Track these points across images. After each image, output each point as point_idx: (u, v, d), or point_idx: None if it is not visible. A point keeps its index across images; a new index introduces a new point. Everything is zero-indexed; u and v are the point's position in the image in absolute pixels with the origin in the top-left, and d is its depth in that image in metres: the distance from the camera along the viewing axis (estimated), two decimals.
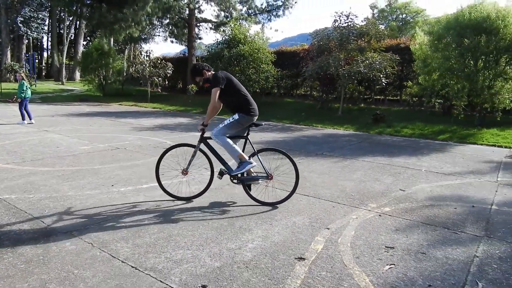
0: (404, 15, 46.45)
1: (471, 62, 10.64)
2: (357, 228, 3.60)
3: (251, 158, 4.17)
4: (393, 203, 4.41)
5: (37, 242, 3.08)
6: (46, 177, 5.04)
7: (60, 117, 12.43)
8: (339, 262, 2.90)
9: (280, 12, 24.84)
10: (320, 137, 9.85)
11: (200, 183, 4.77)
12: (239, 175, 4.15)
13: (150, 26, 28.92)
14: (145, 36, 34.69)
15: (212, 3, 24.17)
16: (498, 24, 9.94)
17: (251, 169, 4.11)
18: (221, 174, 4.18)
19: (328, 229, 3.57)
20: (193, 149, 4.24)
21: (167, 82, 21.80)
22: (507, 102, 10.53)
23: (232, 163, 4.33)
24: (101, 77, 22.23)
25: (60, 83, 32.62)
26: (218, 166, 4.28)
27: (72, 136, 8.61)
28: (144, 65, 20.25)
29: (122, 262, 2.80)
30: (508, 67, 10.38)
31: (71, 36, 40.91)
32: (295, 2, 24.63)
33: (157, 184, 4.37)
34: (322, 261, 2.90)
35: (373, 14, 47.19)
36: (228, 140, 4.07)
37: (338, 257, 2.98)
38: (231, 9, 24.43)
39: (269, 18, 25.26)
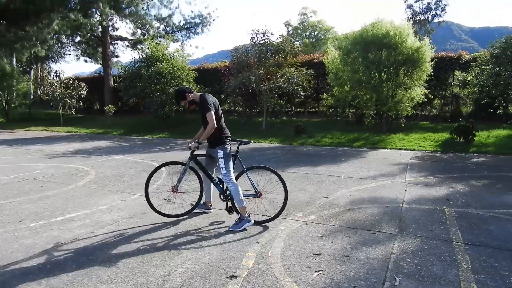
0: (316, 32, 49.81)
1: (376, 74, 11.78)
2: (286, 239, 3.68)
3: (239, 176, 4.23)
4: (318, 210, 4.61)
5: None
6: None
7: None
8: (271, 275, 2.92)
9: (199, 30, 25.03)
10: (246, 151, 9.99)
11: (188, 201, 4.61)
12: (226, 195, 4.23)
13: (59, 45, 27.00)
14: (54, 55, 32.21)
15: (128, 21, 23.40)
16: (396, 40, 11.19)
17: (235, 230, 3.95)
18: (229, 210, 4.24)
19: (258, 243, 3.59)
20: (183, 166, 4.24)
21: (82, 104, 20.42)
22: (408, 109, 11.83)
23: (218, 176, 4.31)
24: (3, 101, 20.01)
25: None
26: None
27: None
28: (54, 86, 18.73)
29: None
30: (406, 78, 11.69)
31: None
32: (213, 20, 25.03)
33: (73, 215, 4.01)
34: (254, 277, 2.90)
35: (288, 31, 49.83)
36: (239, 189, 4.04)
37: (269, 270, 3.01)
38: (147, 26, 23.90)
39: (188, 35, 25.27)
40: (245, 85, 13.61)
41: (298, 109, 17.73)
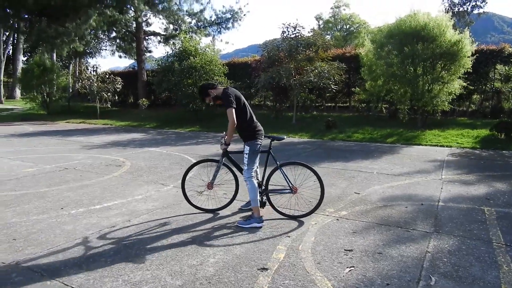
0: (348, 26, 48.79)
1: (411, 68, 11.39)
2: (317, 233, 3.67)
3: (274, 172, 4.16)
4: (349, 206, 4.55)
5: None
6: None
7: (0, 138, 11.55)
8: (301, 269, 2.92)
9: (230, 25, 25.10)
10: (276, 145, 9.97)
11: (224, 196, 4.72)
12: (261, 189, 4.16)
13: (96, 40, 27.97)
14: (91, 50, 33.43)
15: (160, 16, 23.87)
16: (434, 33, 10.76)
17: (243, 226, 3.91)
18: (262, 205, 4.16)
19: (289, 237, 3.60)
20: (217, 163, 4.29)
21: (117, 97, 21.10)
22: (445, 104, 11.37)
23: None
24: (45, 94, 21.01)
25: None
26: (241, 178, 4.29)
27: (14, 158, 8.02)
28: (91, 81, 19.46)
29: None
30: (443, 72, 11.23)
31: (9, 52, 38.35)
32: (244, 15, 25.03)
33: (110, 204, 4.18)
34: (285, 270, 2.91)
35: (319, 25, 49.12)
36: (256, 186, 3.98)
37: (300, 264, 3.01)
38: (179, 22, 24.26)
39: (219, 30, 25.42)
40: (276, 80, 13.56)
41: (329, 104, 17.49)
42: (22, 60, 36.08)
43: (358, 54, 14.85)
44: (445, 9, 24.13)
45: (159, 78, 16.68)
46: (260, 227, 3.86)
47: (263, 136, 4.15)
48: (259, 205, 3.98)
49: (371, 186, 5.53)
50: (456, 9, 23.99)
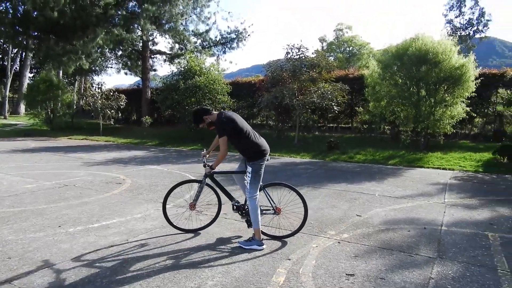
0: (350, 48, 49.45)
1: (415, 90, 11.44)
2: (318, 256, 3.59)
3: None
4: (351, 229, 4.48)
5: None
6: None
7: (1, 154, 11.57)
8: None
9: (234, 45, 25.48)
10: (278, 165, 9.94)
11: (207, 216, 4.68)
12: (245, 210, 4.15)
13: (102, 58, 28.38)
14: (97, 67, 33.89)
15: (167, 36, 24.30)
16: (440, 57, 10.84)
17: (244, 247, 3.86)
18: (238, 209, 4.21)
19: (289, 259, 3.53)
20: (200, 184, 4.28)
21: (120, 115, 21.25)
22: (448, 128, 11.36)
23: (237, 196, 4.35)
24: (49, 110, 21.20)
25: (3, 117, 30.61)
26: (225, 200, 4.40)
27: (14, 174, 8.00)
28: (95, 98, 19.65)
29: None
30: (447, 95, 11.27)
31: (16, 68, 38.97)
32: (248, 35, 25.44)
33: (108, 222, 4.14)
34: None
35: (322, 46, 49.82)
36: (258, 208, 3.93)
37: None
38: (185, 41, 24.67)
39: (223, 50, 25.79)
40: (279, 100, 13.65)
41: (331, 125, 17.52)
42: (29, 77, 36.61)
43: (360, 76, 14.97)
44: (448, 32, 24.45)
45: (164, 96, 16.83)
46: (261, 249, 3.79)
47: (267, 155, 4.07)
48: (260, 227, 3.91)
49: (373, 208, 5.46)
50: (459, 33, 24.29)
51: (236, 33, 25.31)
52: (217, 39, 25.63)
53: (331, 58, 37.81)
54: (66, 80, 29.49)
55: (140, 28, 21.82)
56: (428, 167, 9.61)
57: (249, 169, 3.95)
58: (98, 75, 37.48)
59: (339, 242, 4.00)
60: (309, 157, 11.58)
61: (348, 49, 49.66)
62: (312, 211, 5.27)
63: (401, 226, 4.58)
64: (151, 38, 24.66)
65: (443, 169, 9.39)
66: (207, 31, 25.13)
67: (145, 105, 22.64)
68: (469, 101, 11.58)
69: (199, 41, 25.33)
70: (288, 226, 4.30)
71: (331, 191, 6.64)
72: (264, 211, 4.19)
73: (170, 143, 15.62)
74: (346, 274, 3.21)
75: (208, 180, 4.26)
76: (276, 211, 4.16)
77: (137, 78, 28.85)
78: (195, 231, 4.31)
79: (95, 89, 23.36)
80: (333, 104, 13.46)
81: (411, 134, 12.43)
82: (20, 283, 2.98)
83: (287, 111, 14.54)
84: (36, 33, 21.17)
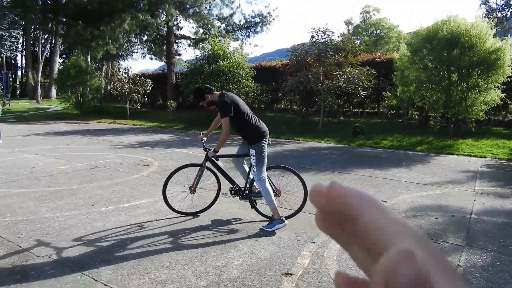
0: (378, 31, 47.94)
1: (446, 74, 11.04)
2: None
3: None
4: None
5: (15, 267, 2.94)
6: (22, 199, 4.85)
7: (36, 137, 12.08)
8: (326, 276, 2.88)
9: (259, 29, 25.22)
10: (302, 150, 9.92)
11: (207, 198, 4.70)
12: (245, 193, 4.21)
13: (128, 43, 28.81)
14: (123, 53, 34.47)
15: (191, 20, 24.33)
16: (474, 40, 10.37)
17: (267, 229, 3.91)
18: (231, 193, 4.26)
19: (314, 243, 3.56)
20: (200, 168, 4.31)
21: (146, 99, 21.63)
22: (480, 114, 10.93)
23: (239, 181, 4.35)
24: (79, 94, 21.84)
25: (35, 101, 31.82)
26: (225, 183, 4.40)
27: (48, 155, 8.36)
28: (122, 82, 20.05)
29: (105, 285, 2.70)
30: (480, 80, 10.81)
31: (47, 54, 40.20)
32: (273, 19, 25.10)
33: (137, 203, 4.28)
34: (309, 276, 2.88)
35: (348, 30, 48.53)
36: (269, 188, 3.99)
37: (324, 271, 2.97)
38: (209, 26, 24.63)
39: (247, 34, 25.60)
40: (303, 84, 13.50)
41: (357, 110, 17.21)
42: (59, 62, 37.70)
43: (388, 60, 14.56)
44: (483, 14, 23.24)
45: (188, 80, 16.98)
46: (284, 225, 3.90)
47: (267, 137, 4.13)
48: (276, 206, 3.97)
49: (399, 194, 5.39)
50: (495, 15, 23.05)
51: (260, 17, 25.02)
52: (241, 23, 25.44)
53: (358, 42, 36.84)
54: (94, 66, 30.18)
55: (164, 13, 21.93)
56: (458, 154, 9.33)
57: (252, 151, 4.00)
58: (124, 60, 38.16)
59: None
60: (333, 142, 11.47)
61: (375, 32, 48.15)
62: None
63: (429, 213, 4.51)
64: (175, 23, 24.74)
65: (474, 156, 9.10)
66: (231, 15, 24.97)
67: (170, 90, 22.93)
68: (504, 87, 11.07)
69: (223, 25, 25.24)
70: (288, 207, 4.36)
71: (356, 176, 6.58)
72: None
73: (194, 127, 15.83)
74: None
75: (208, 164, 4.28)
76: (277, 193, 4.24)
77: (162, 63, 29.20)
78: (195, 214, 4.35)
79: (122, 74, 23.79)
80: (359, 88, 13.20)
81: (441, 120, 12.05)
82: (58, 257, 3.16)
83: (312, 95, 14.38)
84: (65, 19, 21.70)
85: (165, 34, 24.45)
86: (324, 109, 14.58)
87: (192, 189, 4.32)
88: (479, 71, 10.77)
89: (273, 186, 4.22)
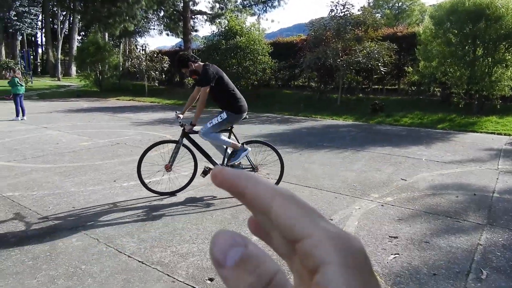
0: (400, 4, 46.09)
1: (471, 48, 10.61)
2: (360, 218, 3.62)
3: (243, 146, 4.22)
4: (395, 192, 4.43)
5: (43, 239, 3.09)
6: (48, 174, 5.03)
7: (58, 114, 12.37)
8: None
9: (276, 3, 24.67)
10: (320, 128, 9.85)
11: (185, 177, 4.64)
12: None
13: (145, 20, 28.68)
14: (140, 29, 34.41)
15: None
16: (501, 12, 9.88)
17: (235, 162, 4.09)
18: (204, 173, 4.16)
19: (331, 220, 3.58)
20: (176, 144, 4.21)
21: (164, 76, 21.70)
22: (506, 90, 10.53)
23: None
24: (98, 72, 22.08)
25: (56, 79, 32.40)
26: (201, 160, 4.38)
27: (71, 132, 8.58)
28: (140, 59, 20.12)
29: (129, 257, 2.82)
30: (507, 54, 10.35)
31: (65, 31, 40.53)
32: None
33: (158, 179, 4.37)
34: None
35: (369, 3, 46.84)
36: (216, 134, 4.07)
37: None
38: (226, 0, 24.21)
39: (264, 9, 25.09)
40: (321, 60, 13.23)
41: (376, 86, 16.81)
42: (77, 39, 38.02)
43: (410, 34, 14.06)
44: None
45: (205, 57, 16.87)
46: (248, 152, 4.09)
47: (244, 113, 4.17)
48: (231, 140, 4.08)
49: (419, 173, 5.32)
50: None
51: None
52: None
53: (378, 15, 35.59)
54: (112, 43, 30.27)
55: None
56: (481, 132, 9.09)
57: (224, 115, 4.03)
58: (141, 37, 38.13)
59: (382, 205, 3.99)
60: (352, 120, 11.32)
61: (397, 5, 46.33)
62: (355, 173, 5.25)
63: (449, 192, 4.45)
64: None
65: (498, 134, 8.85)
66: None
67: (175, 64, 22.88)
68: None
69: (239, 0, 24.76)
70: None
71: (375, 154, 6.52)
72: (243, 169, 4.26)
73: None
74: (389, 236, 3.22)
75: (184, 141, 4.19)
76: (255, 169, 4.27)
77: (179, 40, 29.03)
78: (172, 194, 4.25)
79: (139, 51, 23.85)
80: (379, 64, 12.86)
81: (464, 96, 11.67)
82: (84, 229, 3.29)
83: (330, 72, 14.11)
84: None
85: (181, 9, 24.18)
86: (342, 85, 14.32)
87: (168, 168, 4.18)
88: (506, 45, 10.30)
89: (251, 162, 4.27)
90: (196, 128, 4.19)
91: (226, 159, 4.23)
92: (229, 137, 4.24)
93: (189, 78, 4.23)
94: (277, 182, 4.26)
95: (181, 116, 4.28)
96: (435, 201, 4.12)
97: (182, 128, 4.17)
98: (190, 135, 4.22)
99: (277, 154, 4.22)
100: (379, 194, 4.35)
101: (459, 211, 3.81)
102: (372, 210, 3.85)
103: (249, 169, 4.28)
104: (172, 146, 4.35)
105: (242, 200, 0.25)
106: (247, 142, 4.34)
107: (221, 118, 4.04)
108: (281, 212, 0.23)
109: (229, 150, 4.21)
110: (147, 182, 4.22)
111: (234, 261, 0.22)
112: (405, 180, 4.95)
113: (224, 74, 4.14)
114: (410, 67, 13.56)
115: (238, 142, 4.23)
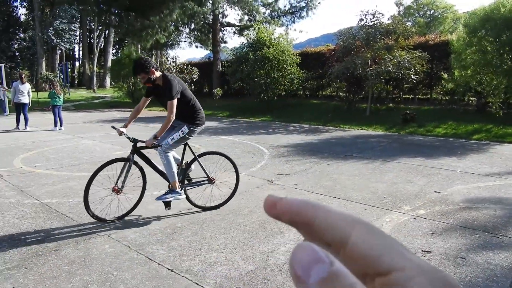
0: (431, 11, 45.07)
1: (509, 57, 10.19)
2: (391, 231, 3.52)
3: (191, 163, 4.13)
4: (428, 205, 4.28)
5: (78, 245, 3.21)
6: (84, 182, 5.20)
7: (93, 124, 12.89)
8: None
9: (304, 13, 24.81)
10: (349, 138, 9.71)
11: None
12: (175, 189, 3.91)
13: (176, 32, 29.54)
14: (171, 42, 35.45)
15: (236, 7, 24.43)
16: None
17: (162, 200, 3.86)
18: (167, 204, 3.95)
19: None
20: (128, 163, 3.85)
21: (193, 87, 22.19)
22: None
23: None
24: (131, 83, 22.88)
25: (92, 90, 33.85)
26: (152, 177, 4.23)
27: (105, 142, 8.90)
28: (170, 71, 20.69)
29: (159, 264, 2.87)
30: None
31: (101, 45, 42.41)
32: (319, 3, 24.50)
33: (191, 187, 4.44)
34: None
35: (399, 11, 46.12)
36: (172, 160, 3.90)
37: None
38: (254, 12, 24.59)
39: (292, 20, 25.28)
40: (350, 70, 13.11)
41: (407, 96, 16.43)
42: (112, 53, 39.68)
43: (443, 42, 13.70)
44: None
45: (233, 69, 17.13)
46: (182, 198, 3.91)
47: (203, 125, 4.13)
48: (176, 179, 3.88)
49: (453, 185, 5.12)
50: None
51: (306, 1, 24.53)
52: (286, 8, 25.13)
53: (409, 24, 34.94)
54: (145, 55, 31.34)
55: (211, 1, 22.18)
56: None
57: (186, 129, 3.89)
58: (172, 49, 39.22)
59: (414, 218, 3.86)
60: (382, 130, 11.10)
61: (428, 12, 45.34)
62: (386, 185, 5.12)
63: (486, 206, 4.26)
64: (221, 10, 24.97)
65: None
66: (275, 1, 24.73)
67: (215, 78, 23.32)
68: None
69: (267, 11, 25.09)
70: (221, 195, 4.33)
71: (407, 165, 6.34)
72: (199, 182, 4.23)
73: (240, 115, 16.02)
74: (422, 250, 3.11)
75: (135, 157, 3.82)
76: (211, 181, 4.20)
77: (208, 51, 29.66)
78: (121, 218, 3.83)
79: (170, 63, 24.54)
80: (410, 73, 12.58)
81: (502, 106, 11.18)
82: (116, 236, 3.39)
83: (359, 81, 13.94)
84: (117, 11, 22.69)
85: (211, 22, 24.77)
86: (372, 95, 14.10)
87: (117, 190, 3.76)
88: None
89: (206, 173, 4.18)
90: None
91: (181, 176, 4.06)
92: (184, 149, 4.10)
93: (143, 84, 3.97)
94: (233, 193, 4.26)
95: (124, 130, 3.87)
96: (471, 215, 3.95)
97: (133, 143, 3.81)
98: (142, 150, 3.87)
99: (233, 165, 4.21)
100: (411, 207, 4.22)
101: (498, 226, 3.63)
102: (403, 223, 3.74)
103: (205, 182, 4.24)
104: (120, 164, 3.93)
105: (307, 229, 0.23)
106: (202, 154, 4.26)
107: (183, 133, 3.87)
108: (362, 242, 0.21)
109: (175, 169, 3.94)
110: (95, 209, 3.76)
111: (320, 278, 0.20)
112: (439, 192, 4.78)
113: (185, 86, 3.98)
114: (445, 74, 13.16)
115: (194, 154, 4.08)
